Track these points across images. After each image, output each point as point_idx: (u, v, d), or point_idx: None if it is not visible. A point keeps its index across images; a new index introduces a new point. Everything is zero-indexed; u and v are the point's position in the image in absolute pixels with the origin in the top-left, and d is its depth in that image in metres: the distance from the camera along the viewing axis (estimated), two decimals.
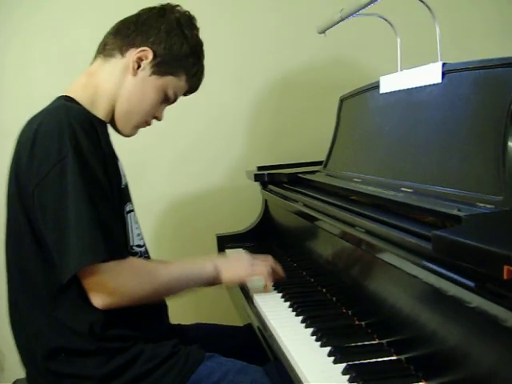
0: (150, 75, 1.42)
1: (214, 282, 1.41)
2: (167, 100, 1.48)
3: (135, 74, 1.41)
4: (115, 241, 1.25)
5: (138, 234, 1.42)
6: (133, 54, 1.40)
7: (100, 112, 1.40)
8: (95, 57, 1.46)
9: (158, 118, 1.50)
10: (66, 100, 1.36)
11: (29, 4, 2.23)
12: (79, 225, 1.19)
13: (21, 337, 1.34)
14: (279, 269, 1.53)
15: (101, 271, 1.21)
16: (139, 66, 1.41)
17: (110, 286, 1.23)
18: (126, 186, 1.43)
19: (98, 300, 1.23)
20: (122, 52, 1.42)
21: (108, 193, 1.27)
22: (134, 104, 1.43)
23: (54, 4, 2.23)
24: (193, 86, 1.52)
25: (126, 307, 1.26)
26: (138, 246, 1.40)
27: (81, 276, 1.21)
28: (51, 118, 1.26)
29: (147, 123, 1.49)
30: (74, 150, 1.20)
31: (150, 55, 1.41)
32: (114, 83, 1.41)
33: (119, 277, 1.24)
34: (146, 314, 1.33)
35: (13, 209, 1.31)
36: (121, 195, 1.36)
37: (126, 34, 1.42)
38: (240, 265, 1.47)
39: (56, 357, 1.27)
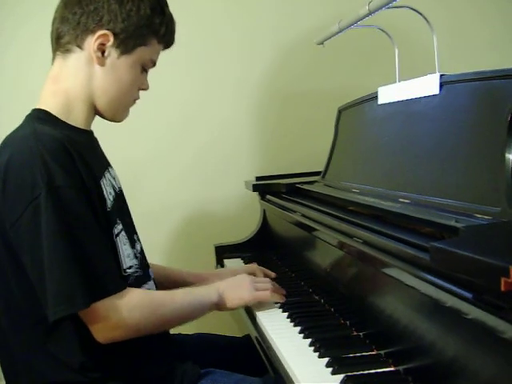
0: (118, 57, 1.29)
1: (217, 308, 1.36)
2: (146, 69, 1.37)
3: (102, 63, 1.28)
4: (106, 277, 1.17)
5: (129, 255, 1.30)
6: (91, 43, 1.26)
7: (79, 118, 1.30)
8: (53, 53, 1.33)
9: (145, 89, 1.38)
10: (40, 116, 1.26)
11: (28, 5, 2.24)
12: (54, 272, 1.11)
13: (7, 367, 1.28)
14: (280, 289, 1.51)
15: (98, 310, 1.14)
16: (103, 53, 1.27)
17: (111, 322, 1.16)
18: (116, 200, 1.31)
19: (101, 336, 1.17)
20: (79, 44, 1.27)
21: (92, 225, 1.17)
22: (114, 93, 1.31)
23: (53, 4, 2.24)
24: (168, 42, 1.38)
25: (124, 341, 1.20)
26: (129, 267, 1.29)
27: (80, 315, 1.15)
28: (21, 150, 1.17)
29: (136, 99, 1.38)
30: (47, 187, 1.12)
31: (111, 37, 1.26)
32: (83, 82, 1.29)
33: (120, 312, 1.16)
34: (144, 340, 1.24)
35: None
36: (107, 219, 1.25)
37: (74, 21, 1.27)
38: (243, 288, 1.40)
39: None
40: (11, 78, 2.26)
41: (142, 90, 1.39)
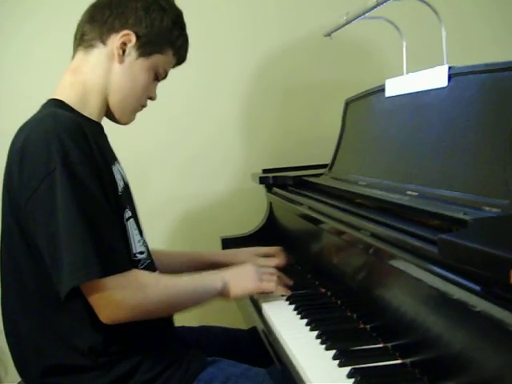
0: (136, 58, 1.37)
1: (221, 296, 1.37)
2: (158, 78, 1.44)
3: (121, 60, 1.36)
4: (116, 253, 1.20)
5: (139, 241, 1.35)
6: (115, 40, 1.35)
7: (93, 110, 1.36)
8: (74, 50, 1.40)
9: (152, 98, 1.46)
10: (56, 104, 1.32)
11: (28, 5, 2.24)
12: (70, 241, 1.14)
13: (16, 349, 1.31)
14: (285, 278, 1.52)
15: (105, 286, 1.16)
16: (124, 52, 1.36)
17: (116, 300, 1.18)
18: (125, 189, 1.36)
19: (105, 315, 1.19)
20: (103, 40, 1.36)
21: (103, 203, 1.21)
22: (127, 91, 1.39)
23: (53, 4, 2.24)
24: (181, 58, 1.48)
25: (130, 322, 1.22)
26: (140, 252, 1.34)
27: (85, 292, 1.17)
28: (38, 129, 1.22)
29: (143, 106, 1.45)
30: (62, 162, 1.16)
31: (134, 38, 1.35)
32: (101, 75, 1.36)
33: (125, 290, 1.19)
34: (148, 323, 1.27)
35: (6, 220, 1.28)
36: (118, 203, 1.30)
37: (102, 20, 1.36)
38: (248, 277, 1.42)
39: (55, 373, 1.24)
40: (11, 78, 2.26)
41: (150, 98, 1.46)
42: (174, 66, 1.48)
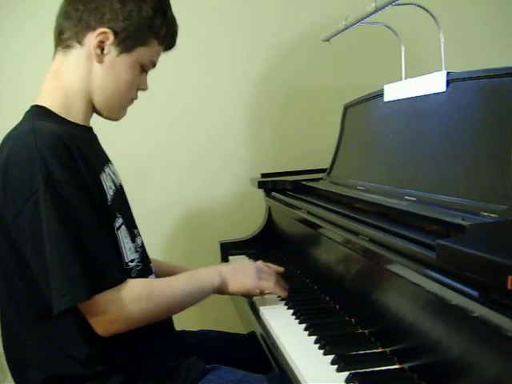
0: (117, 56, 1.29)
1: (219, 291, 1.37)
2: (145, 70, 1.37)
3: (101, 60, 1.29)
4: (106, 269, 1.17)
5: (130, 248, 1.31)
6: (92, 40, 1.27)
7: (78, 114, 1.31)
8: (55, 49, 1.34)
9: (144, 89, 1.39)
10: (39, 112, 1.27)
11: (28, 4, 2.24)
12: (56, 265, 1.12)
13: (14, 361, 1.29)
14: (283, 283, 1.50)
15: (99, 303, 1.15)
16: (103, 50, 1.28)
17: (112, 314, 1.16)
18: (116, 195, 1.31)
19: (101, 329, 1.18)
20: (80, 40, 1.28)
21: (91, 219, 1.18)
22: (111, 91, 1.32)
23: (53, 4, 2.24)
24: (169, 44, 1.39)
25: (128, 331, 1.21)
26: (131, 260, 1.30)
27: (80, 308, 1.16)
28: (20, 147, 1.18)
29: (133, 99, 1.39)
30: (45, 182, 1.12)
31: (111, 35, 1.27)
32: (81, 78, 1.29)
33: (120, 304, 1.17)
34: (147, 331, 1.26)
35: None
36: (107, 213, 1.26)
37: (76, 17, 1.28)
38: (247, 275, 1.41)
39: (52, 383, 1.22)
40: (11, 78, 2.27)
41: (141, 90, 1.39)
42: (164, 52, 1.40)
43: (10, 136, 1.26)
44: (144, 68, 1.36)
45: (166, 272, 1.55)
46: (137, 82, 1.36)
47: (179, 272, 1.60)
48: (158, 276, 1.42)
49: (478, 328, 0.83)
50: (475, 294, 0.83)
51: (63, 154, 1.17)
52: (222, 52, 2.37)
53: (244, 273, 1.41)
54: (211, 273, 1.37)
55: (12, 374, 1.31)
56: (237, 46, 2.38)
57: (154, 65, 1.38)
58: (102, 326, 1.17)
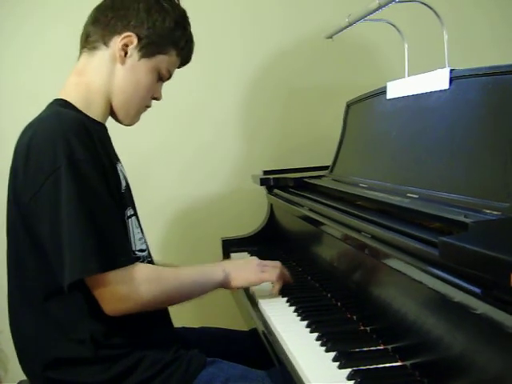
0: (139, 60, 1.39)
1: (223, 286, 1.39)
2: (162, 79, 1.45)
3: (123, 62, 1.38)
4: (118, 249, 1.23)
5: (140, 239, 1.39)
6: (117, 42, 1.37)
7: (97, 111, 1.38)
8: (80, 51, 1.42)
9: (157, 98, 1.48)
10: (61, 104, 1.35)
11: (28, 4, 2.24)
12: (71, 238, 1.17)
13: (20, 345, 1.34)
14: (288, 274, 1.52)
15: (109, 280, 1.19)
16: (126, 53, 1.38)
17: (120, 293, 1.21)
18: (127, 188, 1.40)
19: (109, 308, 1.22)
20: (106, 42, 1.38)
21: (107, 201, 1.24)
22: (130, 93, 1.41)
23: (53, 4, 2.24)
24: (185, 58, 1.49)
25: (129, 315, 1.24)
26: (141, 250, 1.37)
27: (89, 285, 1.21)
28: (44, 128, 1.25)
29: (147, 107, 1.48)
30: (67, 160, 1.18)
31: (135, 39, 1.37)
32: (104, 77, 1.38)
33: (129, 283, 1.22)
34: (148, 320, 1.31)
35: (11, 216, 1.31)
36: (121, 200, 1.33)
37: (105, 22, 1.38)
38: (249, 270, 1.43)
39: (56, 367, 1.26)
40: (11, 78, 2.27)
41: (155, 99, 1.48)
42: (179, 67, 1.49)
43: (33, 121, 1.31)
44: (161, 76, 1.44)
45: None
46: (153, 89, 1.44)
47: None
48: None
49: (480, 325, 0.83)
50: (477, 291, 0.83)
51: (85, 136, 1.23)
52: (224, 49, 2.37)
53: (247, 267, 1.44)
54: (215, 267, 1.41)
55: (19, 360, 1.34)
56: (238, 44, 2.38)
57: (170, 75, 1.47)
58: (111, 303, 1.22)
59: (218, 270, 1.39)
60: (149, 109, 1.49)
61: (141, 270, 1.25)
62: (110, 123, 1.45)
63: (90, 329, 1.25)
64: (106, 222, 1.22)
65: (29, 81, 2.22)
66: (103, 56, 1.38)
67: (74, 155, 1.19)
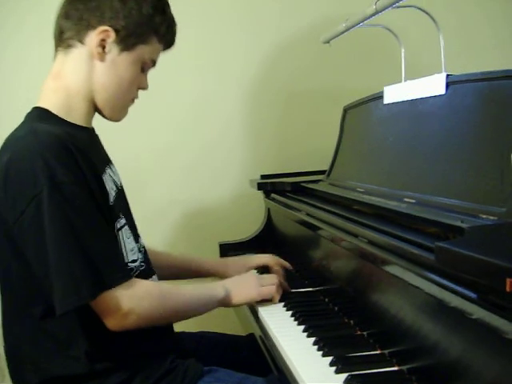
0: (119, 54, 1.30)
1: (224, 304, 1.38)
2: (146, 69, 1.37)
3: (102, 58, 1.29)
4: (113, 266, 1.19)
5: (132, 249, 1.33)
6: (93, 38, 1.27)
7: (79, 116, 1.31)
8: (55, 50, 1.34)
9: (144, 88, 1.39)
10: (40, 114, 1.28)
11: (28, 4, 2.24)
12: (59, 264, 1.13)
13: (13, 362, 1.30)
14: (285, 284, 1.53)
15: (109, 298, 1.16)
16: (104, 49, 1.28)
17: (122, 310, 1.17)
18: (118, 196, 1.33)
19: (112, 324, 1.19)
20: (81, 39, 1.28)
21: (95, 218, 1.19)
22: (114, 90, 1.32)
23: (53, 4, 2.24)
24: (168, 42, 1.39)
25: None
26: (132, 261, 1.31)
27: (92, 306, 1.17)
28: (21, 149, 1.18)
29: (134, 99, 1.39)
30: (48, 183, 1.13)
31: (112, 33, 1.27)
32: (83, 78, 1.30)
33: (131, 299, 1.18)
34: (145, 332, 1.26)
35: None
36: (110, 214, 1.27)
37: (77, 17, 1.28)
38: (249, 286, 1.43)
39: None
40: (11, 78, 2.26)
41: (142, 89, 1.39)
42: (164, 50, 1.40)
43: (11, 138, 1.26)
44: (144, 66, 1.36)
45: (165, 262, 1.60)
46: (138, 81, 1.36)
47: (178, 261, 1.68)
48: (158, 268, 1.44)
49: (477, 330, 0.83)
50: (474, 296, 0.83)
51: (65, 155, 1.17)
52: (222, 54, 2.37)
53: (247, 284, 1.44)
54: (216, 286, 1.40)
55: (11, 377, 1.31)
56: (237, 48, 2.38)
57: (154, 63, 1.39)
58: (116, 321, 1.18)
59: (218, 287, 1.38)
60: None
61: (140, 285, 1.23)
62: (108, 125, 1.42)
63: (84, 344, 1.21)
64: (96, 242, 1.17)
65: (28, 81, 2.21)
66: (80, 55, 1.29)
67: (55, 177, 1.13)
